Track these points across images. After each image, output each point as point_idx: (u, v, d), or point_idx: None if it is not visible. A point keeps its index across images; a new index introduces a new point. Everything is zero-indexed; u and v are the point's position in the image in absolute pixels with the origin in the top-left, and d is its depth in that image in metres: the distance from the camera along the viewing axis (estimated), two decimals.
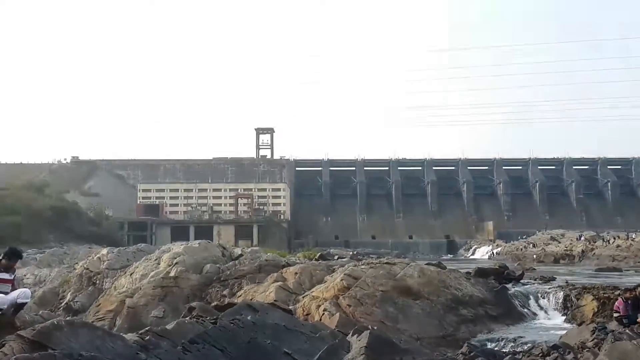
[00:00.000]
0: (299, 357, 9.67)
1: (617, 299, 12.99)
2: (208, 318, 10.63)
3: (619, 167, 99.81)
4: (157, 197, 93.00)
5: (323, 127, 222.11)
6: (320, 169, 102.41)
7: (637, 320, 11.33)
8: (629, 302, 12.06)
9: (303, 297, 17.49)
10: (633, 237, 51.32)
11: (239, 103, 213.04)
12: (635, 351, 6.27)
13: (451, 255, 73.05)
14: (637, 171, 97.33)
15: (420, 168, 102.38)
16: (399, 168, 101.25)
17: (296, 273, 20.21)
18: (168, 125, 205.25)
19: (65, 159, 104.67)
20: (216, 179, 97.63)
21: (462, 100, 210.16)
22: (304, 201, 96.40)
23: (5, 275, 8.58)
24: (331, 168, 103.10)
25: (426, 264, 20.41)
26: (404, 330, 14.36)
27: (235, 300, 15.34)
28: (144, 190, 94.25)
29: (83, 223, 65.25)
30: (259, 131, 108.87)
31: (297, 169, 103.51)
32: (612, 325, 11.68)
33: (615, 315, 12.26)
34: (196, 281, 22.33)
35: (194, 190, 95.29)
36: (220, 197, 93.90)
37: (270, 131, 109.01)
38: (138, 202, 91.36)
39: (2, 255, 8.84)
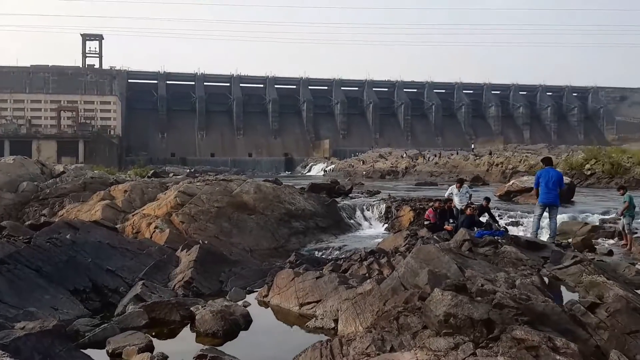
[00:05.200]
0: (123, 274, 9.33)
1: (428, 209, 14.41)
2: (21, 238, 9.74)
3: (443, 91, 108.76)
4: None
5: (160, 38, 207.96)
6: (156, 82, 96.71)
7: (444, 227, 12.74)
8: (438, 211, 13.46)
9: (133, 215, 16.81)
10: (451, 155, 57.20)
11: (62, 3, 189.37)
12: (437, 252, 6.96)
13: (289, 173, 75.18)
14: (459, 95, 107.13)
15: (262, 86, 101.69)
16: (241, 85, 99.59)
17: (126, 191, 19.27)
18: None
19: None
20: (35, 89, 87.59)
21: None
22: (137, 116, 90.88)
23: None
24: (168, 82, 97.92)
25: (263, 181, 20.71)
26: (237, 243, 14.58)
27: (56, 220, 14.20)
28: None
29: None
30: (86, 37, 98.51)
31: (130, 81, 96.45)
32: (423, 232, 12.99)
33: (425, 223, 13.64)
34: (11, 200, 20.34)
35: (8, 101, 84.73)
36: (39, 110, 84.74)
37: (99, 38, 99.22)
38: None
39: None
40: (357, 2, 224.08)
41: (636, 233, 12.48)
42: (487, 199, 14.39)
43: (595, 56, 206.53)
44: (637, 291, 7.42)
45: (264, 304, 8.23)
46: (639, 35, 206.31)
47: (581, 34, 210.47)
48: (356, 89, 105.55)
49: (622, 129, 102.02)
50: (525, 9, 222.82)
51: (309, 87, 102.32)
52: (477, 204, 13.89)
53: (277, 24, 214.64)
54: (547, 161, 12.55)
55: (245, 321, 7.14)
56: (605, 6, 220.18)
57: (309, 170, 72.27)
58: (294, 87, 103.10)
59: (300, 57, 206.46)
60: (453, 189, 14.61)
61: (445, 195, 14.89)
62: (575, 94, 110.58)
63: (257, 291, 8.91)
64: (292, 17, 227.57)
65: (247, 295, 8.80)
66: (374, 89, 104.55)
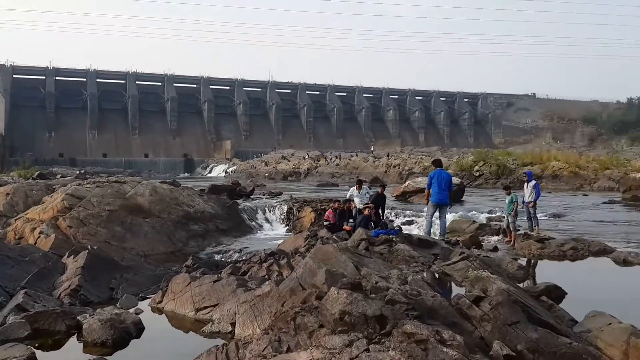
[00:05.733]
0: (3, 282, 8.62)
1: (328, 210, 14.61)
2: None
3: (345, 94, 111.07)
4: None
5: (50, 32, 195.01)
6: (44, 77, 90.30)
7: (343, 227, 12.96)
8: (337, 212, 13.68)
9: (16, 220, 15.58)
10: (351, 156, 58.57)
11: None
12: (334, 252, 7.05)
13: (188, 174, 73.24)
14: (359, 99, 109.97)
15: (160, 84, 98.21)
16: (138, 82, 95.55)
17: (7, 194, 17.86)
18: None
19: None
20: None
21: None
22: (23, 114, 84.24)
23: None
24: (58, 78, 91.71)
25: (160, 183, 19.98)
26: (130, 248, 13.93)
27: None
28: None
29: None
30: None
31: (15, 76, 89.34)
32: (323, 232, 13.13)
33: (325, 223, 13.80)
34: None
35: None
36: None
37: None
38: None
39: None
40: (259, 3, 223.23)
41: (519, 230, 13.43)
42: (383, 186, 14.97)
43: (485, 64, 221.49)
44: (518, 284, 7.97)
45: (157, 310, 7.91)
46: (523, 45, 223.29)
47: (473, 42, 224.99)
48: (259, 89, 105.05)
49: (508, 132, 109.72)
50: (423, 17, 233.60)
51: (211, 87, 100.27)
52: (373, 191, 14.36)
53: (178, 21, 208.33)
54: (437, 163, 13.19)
55: (137, 329, 6.82)
56: (491, 17, 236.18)
57: (210, 172, 70.87)
58: (195, 86, 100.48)
59: (201, 55, 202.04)
60: (353, 190, 14.93)
61: (347, 196, 15.19)
62: (466, 100, 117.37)
63: (150, 297, 8.56)
64: (196, 15, 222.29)
65: (139, 302, 8.41)
66: (277, 90, 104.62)
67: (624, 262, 10.71)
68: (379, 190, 14.53)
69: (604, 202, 23.54)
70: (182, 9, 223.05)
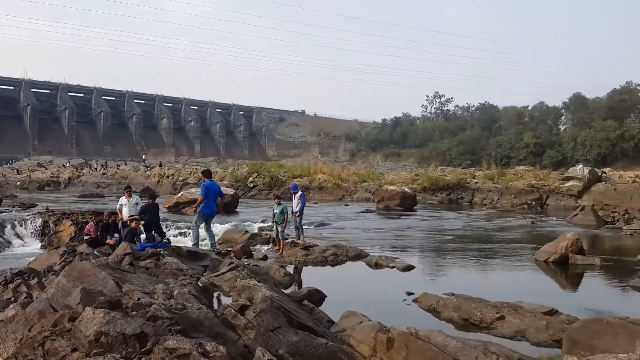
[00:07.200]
0: None
1: (89, 223, 13.45)
2: None
3: (113, 98, 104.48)
4: None
5: None
6: None
7: (106, 241, 12.04)
8: (100, 225, 12.69)
9: None
10: (119, 165, 55.19)
11: None
12: (92, 269, 6.48)
13: None
14: (130, 104, 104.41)
15: None
16: None
17: None
18: None
19: None
20: None
21: None
22: None
23: None
24: None
25: None
26: None
27: None
28: None
29: None
30: None
31: None
32: (83, 247, 12.05)
33: (86, 237, 12.70)
34: None
35: None
36: None
37: None
38: None
39: None
40: None
41: (287, 239, 14.09)
42: (153, 196, 13.66)
43: (258, 79, 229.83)
44: (284, 290, 8.31)
45: None
46: (294, 65, 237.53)
47: (247, 57, 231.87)
48: (11, 88, 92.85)
49: (280, 146, 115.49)
50: (201, 27, 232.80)
51: None
52: (144, 202, 13.59)
53: None
54: (207, 174, 13.14)
55: None
56: (265, 34, 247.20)
57: None
58: None
59: None
60: (122, 199, 14.01)
61: (117, 206, 14.13)
62: (241, 112, 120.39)
63: None
64: None
65: None
66: (32, 89, 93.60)
67: (376, 265, 11.99)
68: (149, 201, 13.77)
69: (361, 212, 26.20)
70: None
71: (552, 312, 7.56)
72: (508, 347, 5.46)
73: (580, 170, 32.74)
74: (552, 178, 34.91)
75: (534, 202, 31.52)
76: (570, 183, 32.07)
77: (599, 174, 32.68)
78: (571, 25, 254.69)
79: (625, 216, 22.73)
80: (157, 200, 14.03)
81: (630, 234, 18.58)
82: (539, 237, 17.29)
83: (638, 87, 75.47)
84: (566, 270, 11.87)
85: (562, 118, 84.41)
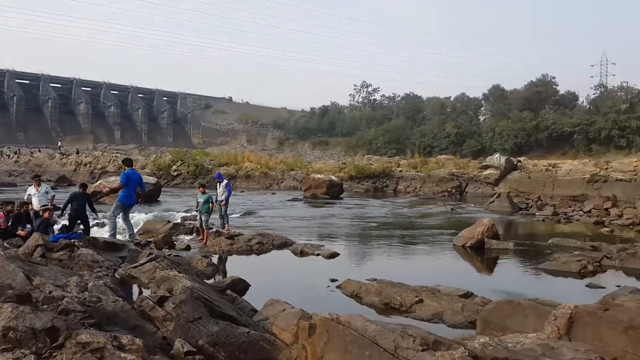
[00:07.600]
0: None
1: None
2: None
3: (27, 82, 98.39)
4: None
5: None
6: None
7: (17, 233, 11.38)
8: (11, 216, 11.98)
9: None
10: (33, 152, 52.23)
11: None
12: (1, 262, 6.11)
13: None
14: (45, 88, 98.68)
15: None
16: None
17: None
18: None
19: None
20: None
21: None
22: None
23: None
24: None
25: None
26: None
27: None
28: None
29: None
30: None
31: None
32: None
33: None
34: None
35: None
36: None
37: None
38: None
39: None
40: None
41: (212, 228, 13.88)
42: (84, 185, 13.61)
43: (184, 65, 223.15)
44: (206, 281, 8.20)
45: None
46: (222, 50, 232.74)
47: (164, 40, 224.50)
48: None
49: (206, 133, 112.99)
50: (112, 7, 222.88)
51: None
52: (55, 191, 12.98)
53: None
54: (128, 162, 12.66)
55: None
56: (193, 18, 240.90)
57: None
58: None
59: None
60: (31, 189, 13.28)
61: (25, 197, 13.40)
62: (165, 98, 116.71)
63: None
64: None
65: None
66: None
67: (301, 252, 12.07)
68: (80, 190, 13.13)
69: (289, 200, 26.22)
70: None
71: (467, 295, 7.93)
72: (425, 329, 5.66)
73: (497, 159, 34.35)
74: (472, 167, 36.35)
75: (454, 190, 32.77)
76: (488, 171, 33.57)
77: (515, 163, 34.38)
78: (495, 19, 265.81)
79: (538, 203, 24.12)
80: (73, 189, 13.42)
81: (542, 220, 19.76)
82: (457, 223, 18.02)
83: (553, 80, 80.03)
84: (482, 255, 12.45)
85: (482, 109, 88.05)
